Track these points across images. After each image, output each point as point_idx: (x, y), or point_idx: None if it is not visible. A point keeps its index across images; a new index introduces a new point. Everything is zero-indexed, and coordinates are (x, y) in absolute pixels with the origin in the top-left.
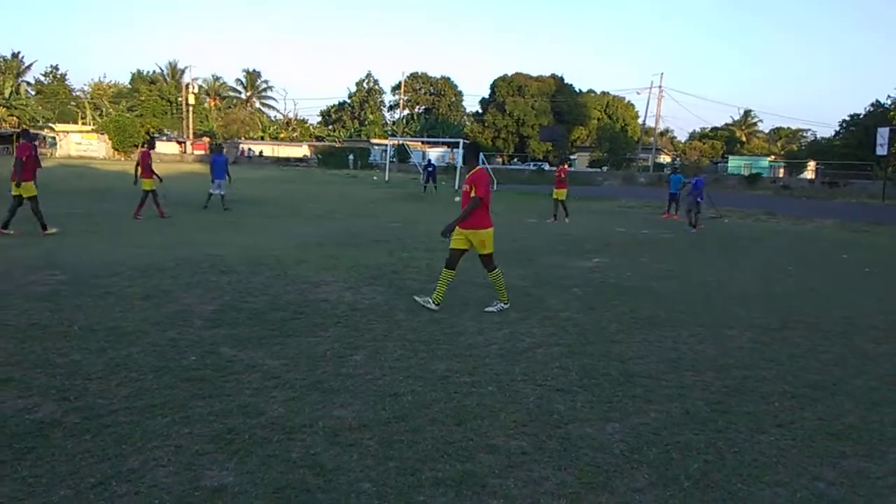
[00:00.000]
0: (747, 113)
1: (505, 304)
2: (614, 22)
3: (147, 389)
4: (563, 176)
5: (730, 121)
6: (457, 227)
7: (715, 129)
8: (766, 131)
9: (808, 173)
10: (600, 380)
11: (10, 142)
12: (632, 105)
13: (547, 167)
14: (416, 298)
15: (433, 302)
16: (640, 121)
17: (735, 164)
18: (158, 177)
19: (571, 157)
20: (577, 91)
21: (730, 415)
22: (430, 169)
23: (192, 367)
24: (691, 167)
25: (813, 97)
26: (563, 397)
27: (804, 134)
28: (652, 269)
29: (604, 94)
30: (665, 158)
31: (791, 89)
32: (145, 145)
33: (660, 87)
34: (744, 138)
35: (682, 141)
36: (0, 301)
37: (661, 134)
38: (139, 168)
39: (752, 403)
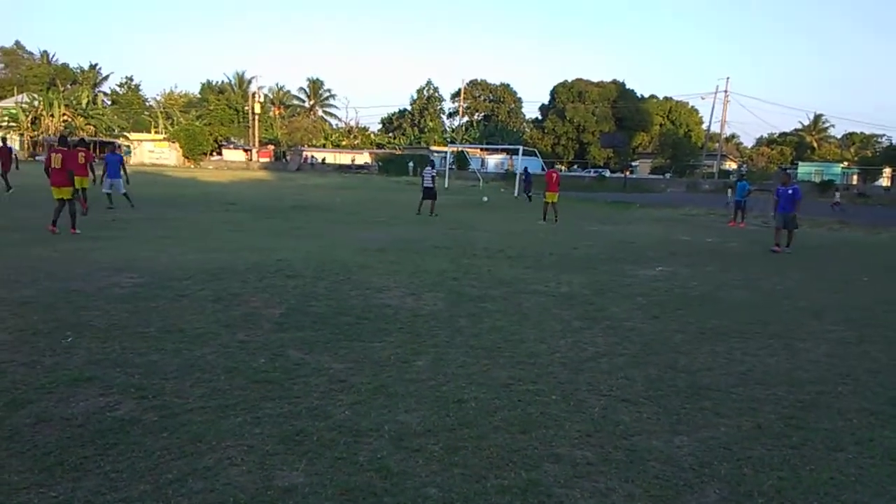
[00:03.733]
0: (818, 118)
1: None
2: (678, 26)
3: (220, 390)
4: (554, 179)
5: (799, 126)
6: None
7: (784, 134)
8: (839, 136)
9: (884, 180)
10: (667, 391)
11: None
12: (695, 110)
13: (608, 174)
14: None
15: None
16: (704, 126)
17: (805, 170)
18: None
19: (633, 163)
20: (640, 97)
21: (805, 430)
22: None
23: (261, 370)
24: (759, 173)
25: (888, 101)
26: (628, 408)
27: (879, 139)
28: (718, 278)
29: (666, 99)
30: (730, 165)
31: (864, 93)
32: None
33: (725, 91)
34: (815, 144)
35: (749, 147)
36: (84, 302)
37: (727, 139)
38: None
39: (829, 419)
